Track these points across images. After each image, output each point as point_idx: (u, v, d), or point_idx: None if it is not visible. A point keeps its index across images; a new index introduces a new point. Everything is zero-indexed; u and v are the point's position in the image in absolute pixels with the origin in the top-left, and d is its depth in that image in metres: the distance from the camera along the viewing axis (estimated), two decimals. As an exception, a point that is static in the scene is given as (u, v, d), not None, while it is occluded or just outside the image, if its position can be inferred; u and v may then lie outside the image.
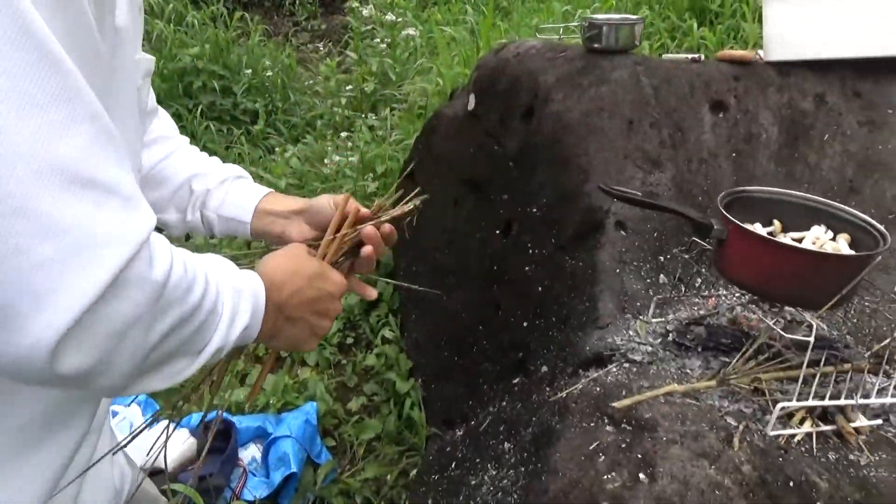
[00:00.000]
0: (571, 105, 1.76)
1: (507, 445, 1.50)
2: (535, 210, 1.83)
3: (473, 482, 1.53)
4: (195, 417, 2.11)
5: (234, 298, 0.66)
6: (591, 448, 1.09)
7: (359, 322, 2.65)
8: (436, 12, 4.58)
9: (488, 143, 2.11)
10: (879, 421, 1.14)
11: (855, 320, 1.32)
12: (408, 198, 1.04)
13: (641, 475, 1.01)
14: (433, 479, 1.86)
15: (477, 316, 2.08)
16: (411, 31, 3.45)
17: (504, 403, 1.79)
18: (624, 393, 1.16)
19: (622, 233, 1.56)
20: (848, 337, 1.26)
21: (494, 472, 1.47)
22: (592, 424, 1.14)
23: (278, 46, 4.92)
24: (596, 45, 1.83)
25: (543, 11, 4.17)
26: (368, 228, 0.92)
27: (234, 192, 0.96)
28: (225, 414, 2.14)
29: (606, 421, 1.14)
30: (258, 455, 2.05)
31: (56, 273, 0.46)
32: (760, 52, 1.80)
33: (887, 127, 1.61)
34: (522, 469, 1.31)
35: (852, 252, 1.08)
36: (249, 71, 4.18)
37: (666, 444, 1.04)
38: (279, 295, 0.75)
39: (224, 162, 1.02)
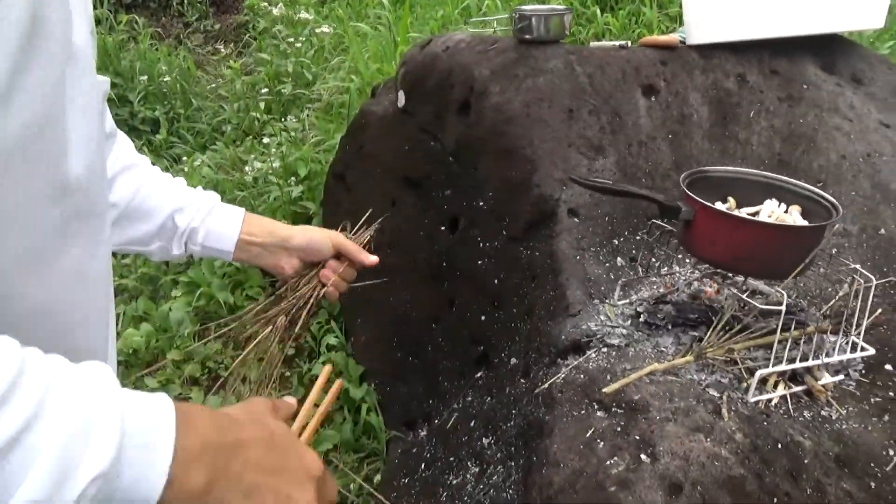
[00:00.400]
0: (511, 97, 1.77)
1: (486, 441, 1.50)
2: (481, 204, 1.83)
3: (454, 482, 1.52)
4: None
5: (71, 417, 0.42)
6: (587, 436, 1.10)
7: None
8: (337, 7, 4.48)
9: (424, 140, 2.09)
10: (841, 377, 1.23)
11: (801, 284, 1.41)
12: (360, 225, 1.14)
13: (643, 456, 1.04)
14: (403, 482, 1.83)
15: (429, 314, 2.06)
16: (325, 28, 3.35)
17: (469, 399, 1.79)
18: (609, 377, 1.18)
19: (575, 220, 1.58)
20: (801, 301, 1.35)
21: (477, 469, 1.46)
22: (583, 412, 1.16)
23: (171, 50, 4.66)
24: (527, 37, 1.85)
25: (448, 4, 4.18)
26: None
27: (216, 223, 0.96)
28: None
29: (596, 407, 1.16)
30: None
31: None
32: (681, 35, 1.88)
33: (804, 101, 1.73)
34: (512, 464, 1.31)
35: (813, 223, 1.15)
36: (145, 77, 3.93)
37: (661, 423, 1.07)
38: (222, 435, 0.51)
39: None
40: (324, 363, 2.38)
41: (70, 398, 0.43)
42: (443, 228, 2.00)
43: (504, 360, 1.65)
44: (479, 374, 1.80)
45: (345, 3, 4.84)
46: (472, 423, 1.66)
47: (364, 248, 1.09)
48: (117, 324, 2.61)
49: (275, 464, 0.55)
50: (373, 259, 1.07)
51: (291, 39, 3.38)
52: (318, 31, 3.34)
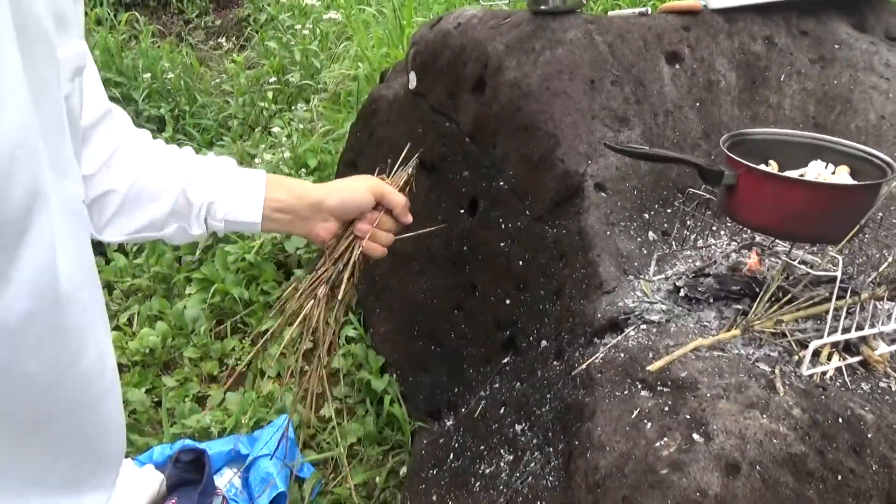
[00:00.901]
0: (528, 71, 1.70)
1: (518, 427, 1.44)
2: (501, 184, 1.77)
3: (487, 471, 1.47)
4: (157, 451, 1.94)
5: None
6: (633, 417, 1.04)
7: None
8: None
9: (438, 121, 2.03)
10: (898, 345, 1.16)
11: (847, 251, 1.34)
12: (398, 165, 1.07)
13: (695, 436, 0.97)
14: (431, 473, 1.78)
15: (450, 300, 2.00)
16: (333, 14, 3.28)
17: (497, 386, 1.73)
18: (651, 355, 1.12)
19: (603, 194, 1.52)
20: (849, 268, 1.28)
21: (511, 457, 1.41)
22: (626, 392, 1.10)
23: (173, 47, 4.61)
24: (542, 7, 1.78)
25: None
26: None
27: (236, 193, 0.88)
28: (191, 442, 1.97)
29: (640, 386, 1.09)
30: (237, 480, 1.90)
31: None
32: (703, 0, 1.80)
33: (837, 62, 1.65)
34: (550, 449, 1.25)
35: (869, 181, 1.08)
36: (148, 75, 3.88)
37: (712, 401, 1.01)
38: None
39: None
40: (343, 355, 2.33)
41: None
42: (461, 211, 1.94)
43: (533, 344, 1.59)
44: (506, 360, 1.74)
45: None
46: (501, 410, 1.60)
47: (404, 189, 1.01)
48: (131, 324, 2.57)
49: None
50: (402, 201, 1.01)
51: (299, 26, 3.31)
52: (325, 17, 3.27)
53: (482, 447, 1.58)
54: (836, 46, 1.68)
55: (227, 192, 0.87)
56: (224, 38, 4.83)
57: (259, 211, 0.88)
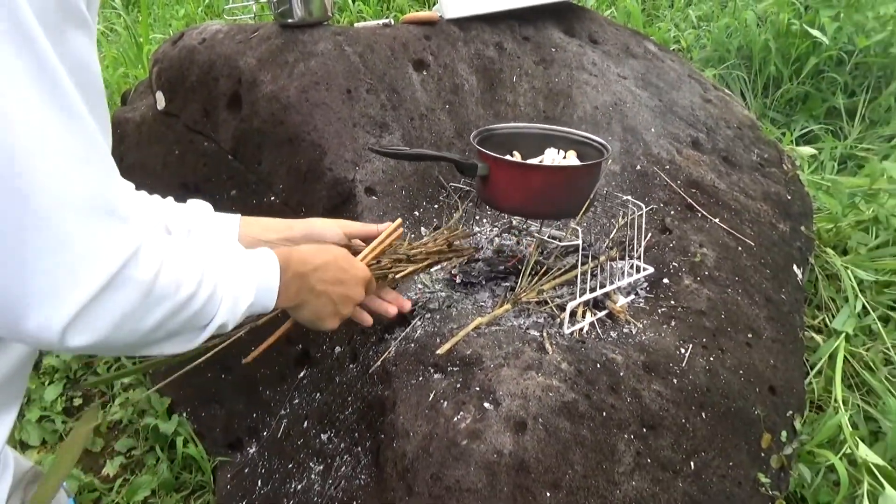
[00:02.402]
0: (285, 84, 1.71)
1: (324, 437, 1.45)
2: (273, 198, 1.75)
3: (299, 487, 1.45)
4: None
5: (235, 281, 0.79)
6: (430, 399, 1.11)
7: (82, 377, 2.26)
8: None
9: (196, 140, 1.94)
10: (632, 297, 1.38)
11: (585, 224, 1.56)
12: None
13: (486, 404, 1.07)
14: (240, 507, 1.71)
15: (235, 324, 1.93)
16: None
17: (297, 401, 1.71)
18: (438, 340, 1.20)
19: (374, 198, 1.58)
20: (590, 237, 1.49)
21: (322, 467, 1.41)
22: (421, 378, 1.17)
23: None
24: (290, 21, 1.79)
25: (189, 1, 3.93)
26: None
27: (212, 229, 1.02)
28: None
29: (433, 370, 1.17)
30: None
31: (63, 278, 0.60)
32: (439, 12, 1.95)
33: (556, 63, 1.90)
34: (358, 449, 1.28)
35: (592, 162, 1.27)
36: None
37: (496, 370, 1.12)
38: (303, 266, 0.91)
39: None
40: (121, 404, 2.12)
41: (226, 264, 0.79)
42: (234, 231, 1.88)
43: (327, 352, 1.60)
44: (302, 374, 1.73)
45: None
46: (305, 424, 1.59)
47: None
48: None
49: (337, 276, 0.98)
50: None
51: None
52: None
53: (290, 465, 1.56)
54: (554, 49, 1.94)
55: (204, 229, 1.00)
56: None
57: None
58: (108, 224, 0.62)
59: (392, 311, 1.15)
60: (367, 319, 1.13)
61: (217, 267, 0.77)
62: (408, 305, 1.17)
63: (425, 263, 1.19)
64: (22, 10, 0.53)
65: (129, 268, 0.64)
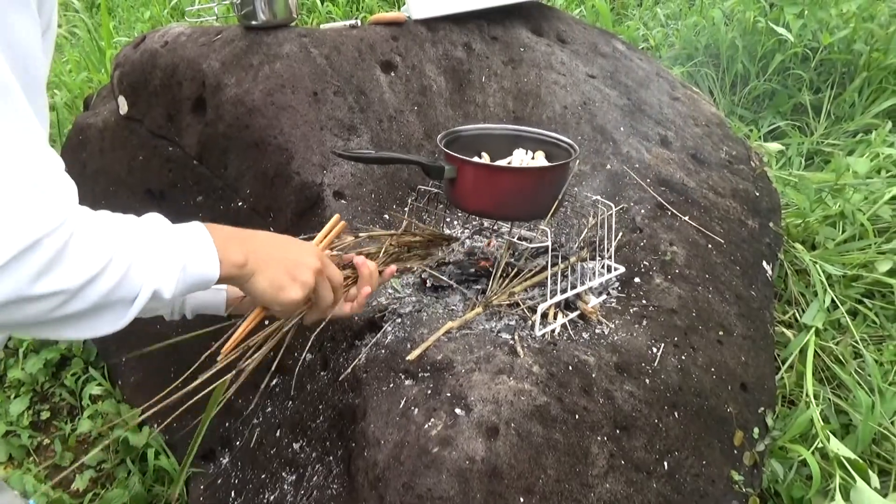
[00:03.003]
0: (250, 87, 1.68)
1: (296, 445, 1.42)
2: (240, 203, 1.72)
3: (272, 497, 1.42)
4: None
5: (160, 247, 0.75)
6: (401, 407, 1.10)
7: (50, 390, 2.21)
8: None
9: (160, 146, 1.90)
10: (604, 297, 1.37)
11: (555, 225, 1.55)
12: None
13: (458, 410, 1.06)
14: (213, 519, 1.68)
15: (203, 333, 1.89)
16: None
17: (270, 409, 1.68)
18: (409, 346, 1.19)
19: (342, 201, 1.56)
20: (561, 238, 1.48)
21: (294, 477, 1.38)
22: (392, 385, 1.15)
23: None
24: (254, 23, 1.76)
25: (154, 3, 3.86)
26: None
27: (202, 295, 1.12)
28: None
29: (404, 377, 1.15)
30: None
31: None
32: (406, 12, 1.94)
33: (524, 62, 1.90)
34: (330, 458, 1.26)
35: (560, 162, 1.26)
36: None
37: (467, 375, 1.10)
38: (239, 233, 0.88)
39: None
40: (89, 417, 2.07)
41: (149, 232, 0.76)
42: (202, 238, 1.84)
43: (298, 360, 1.58)
44: (274, 382, 1.70)
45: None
46: (277, 433, 1.56)
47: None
48: None
49: (279, 242, 0.93)
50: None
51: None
52: None
53: (263, 475, 1.53)
54: (522, 49, 1.93)
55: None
56: None
57: (223, 304, 1.13)
58: (30, 195, 0.61)
59: (364, 292, 1.09)
60: (346, 309, 1.09)
61: (135, 237, 0.75)
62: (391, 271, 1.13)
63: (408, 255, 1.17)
64: None
65: (44, 240, 0.63)
